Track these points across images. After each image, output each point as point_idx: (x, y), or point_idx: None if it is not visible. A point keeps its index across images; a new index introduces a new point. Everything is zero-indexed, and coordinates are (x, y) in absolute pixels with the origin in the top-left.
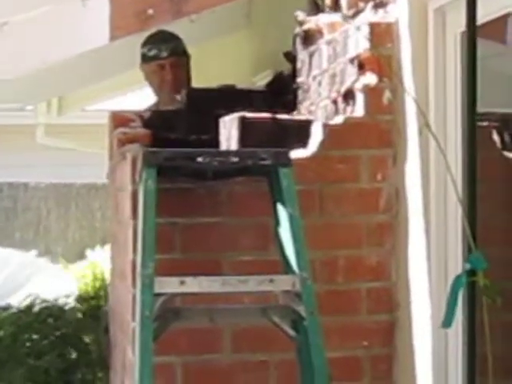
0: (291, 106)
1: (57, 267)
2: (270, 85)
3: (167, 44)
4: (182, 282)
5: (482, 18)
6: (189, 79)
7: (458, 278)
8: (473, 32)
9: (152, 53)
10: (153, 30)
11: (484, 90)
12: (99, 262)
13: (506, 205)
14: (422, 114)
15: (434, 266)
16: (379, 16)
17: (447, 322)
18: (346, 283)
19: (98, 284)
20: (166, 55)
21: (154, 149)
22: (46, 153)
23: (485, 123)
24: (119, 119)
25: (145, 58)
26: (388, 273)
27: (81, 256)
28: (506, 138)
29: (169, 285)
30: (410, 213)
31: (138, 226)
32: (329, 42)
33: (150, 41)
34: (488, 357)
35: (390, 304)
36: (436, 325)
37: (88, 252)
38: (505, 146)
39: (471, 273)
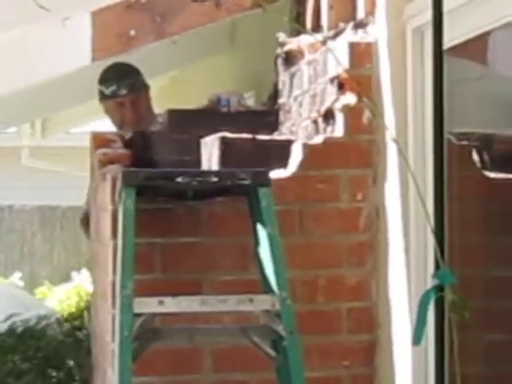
0: (274, 127)
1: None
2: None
3: (125, 80)
4: (161, 302)
5: (453, 39)
6: (150, 109)
7: (426, 293)
8: (439, 53)
9: (110, 91)
10: (135, 51)
11: (465, 110)
12: (84, 284)
13: (485, 222)
14: (390, 133)
15: (414, 284)
16: (359, 36)
17: (417, 339)
18: (327, 303)
19: (82, 306)
20: (124, 93)
21: (134, 169)
22: (31, 175)
23: (465, 142)
24: (100, 140)
25: (103, 96)
26: (368, 292)
27: (66, 278)
28: (485, 157)
29: (148, 305)
30: (390, 232)
31: (117, 246)
32: (309, 63)
33: (107, 77)
34: (457, 374)
35: (370, 323)
36: None
37: (73, 274)
38: (484, 165)
39: (440, 288)
